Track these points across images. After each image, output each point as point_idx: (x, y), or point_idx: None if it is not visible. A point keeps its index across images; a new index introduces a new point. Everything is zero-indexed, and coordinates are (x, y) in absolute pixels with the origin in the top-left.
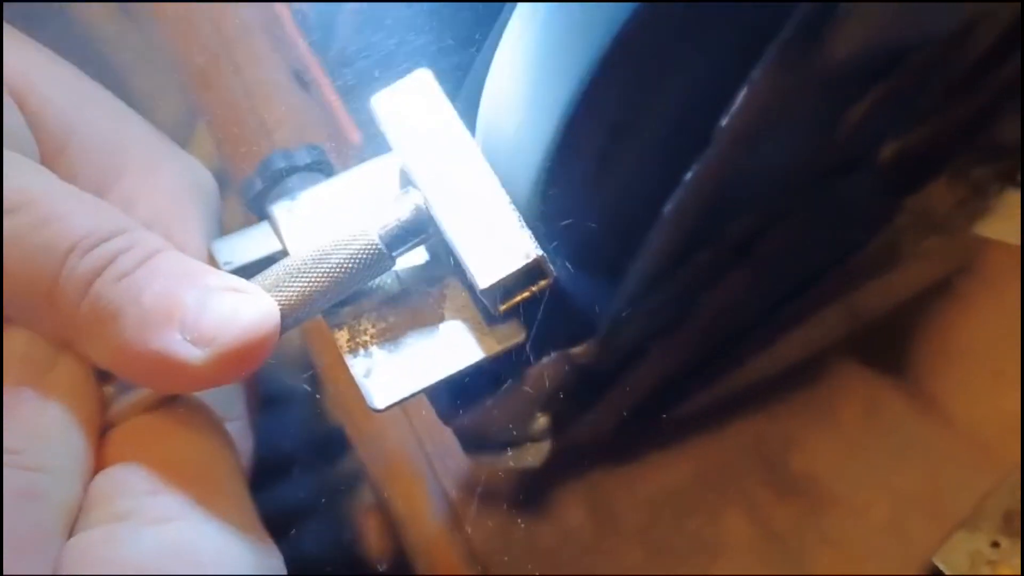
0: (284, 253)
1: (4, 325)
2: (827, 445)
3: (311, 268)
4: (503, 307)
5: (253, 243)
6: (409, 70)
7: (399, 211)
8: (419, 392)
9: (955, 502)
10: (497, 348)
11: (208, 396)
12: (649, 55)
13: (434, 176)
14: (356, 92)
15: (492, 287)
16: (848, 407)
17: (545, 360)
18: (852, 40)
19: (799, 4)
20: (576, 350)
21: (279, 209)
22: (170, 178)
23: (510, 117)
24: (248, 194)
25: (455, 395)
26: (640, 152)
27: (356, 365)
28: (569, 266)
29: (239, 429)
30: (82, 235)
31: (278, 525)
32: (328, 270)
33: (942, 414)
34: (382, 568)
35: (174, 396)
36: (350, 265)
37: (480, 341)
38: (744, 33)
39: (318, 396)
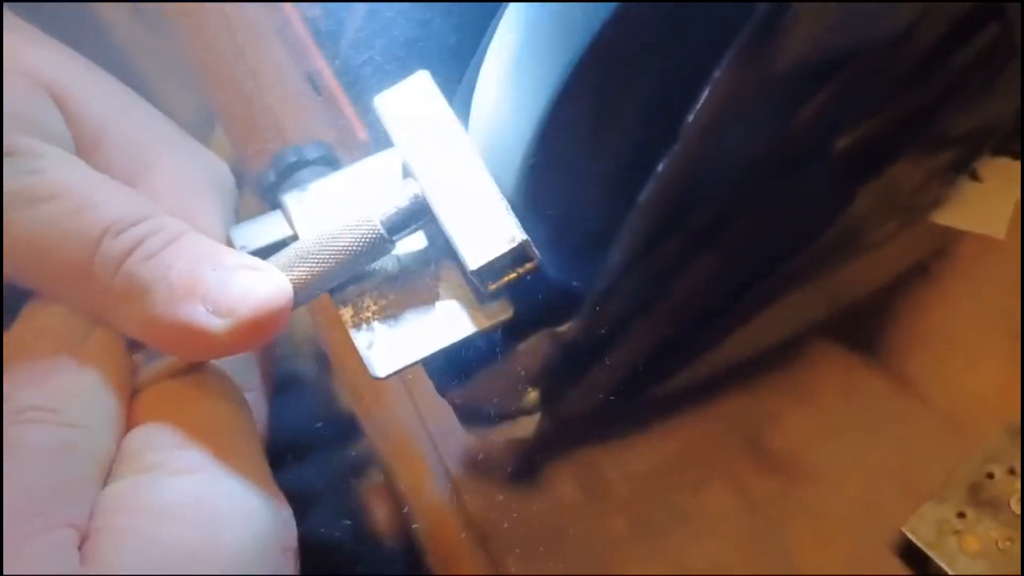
0: (295, 237)
1: (43, 301)
2: (805, 423)
3: (319, 251)
4: (492, 287)
5: (267, 229)
6: (410, 72)
7: (399, 200)
8: (416, 362)
9: (926, 476)
10: (487, 323)
11: (227, 367)
12: (623, 58)
13: (431, 168)
14: (362, 92)
15: (481, 268)
16: (826, 386)
17: (532, 337)
18: (805, 39)
19: (757, 5)
20: (561, 328)
21: (290, 199)
22: (191, 172)
23: (498, 115)
24: (262, 185)
25: (451, 369)
26: (616, 146)
27: (359, 338)
28: (553, 249)
29: (254, 399)
30: (114, 220)
31: (292, 499)
32: (334, 252)
33: (916, 393)
34: (388, 538)
35: (197, 364)
36: (354, 248)
37: (472, 317)
38: (711, 35)
39: (329, 381)
